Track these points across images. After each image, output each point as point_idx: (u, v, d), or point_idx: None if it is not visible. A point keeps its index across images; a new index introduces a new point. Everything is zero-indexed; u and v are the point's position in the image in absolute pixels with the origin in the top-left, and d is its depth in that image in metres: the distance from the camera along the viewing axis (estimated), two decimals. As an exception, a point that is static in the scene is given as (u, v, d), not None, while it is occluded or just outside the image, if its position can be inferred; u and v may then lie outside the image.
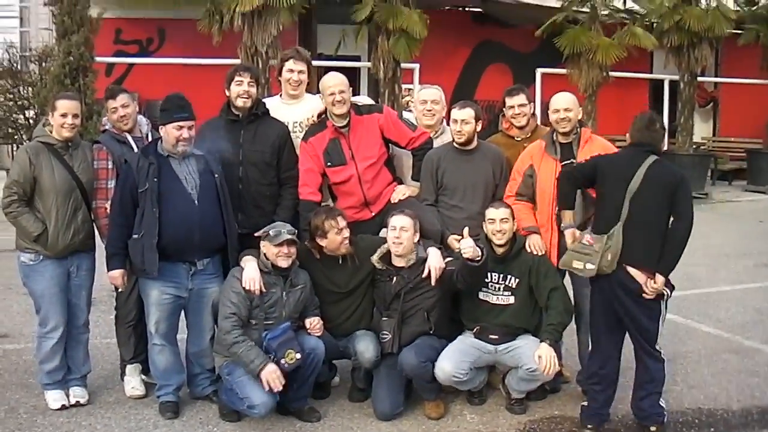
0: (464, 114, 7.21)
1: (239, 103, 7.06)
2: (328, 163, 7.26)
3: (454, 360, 6.69)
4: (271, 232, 6.56)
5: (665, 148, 22.24)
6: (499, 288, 6.89)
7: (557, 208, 6.82)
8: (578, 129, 7.10)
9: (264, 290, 6.47)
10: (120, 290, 6.94)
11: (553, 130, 7.07)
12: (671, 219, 6.24)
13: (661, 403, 6.49)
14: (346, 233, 6.81)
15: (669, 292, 6.29)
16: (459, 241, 6.67)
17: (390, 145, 7.50)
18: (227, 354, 6.49)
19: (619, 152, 6.75)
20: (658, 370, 6.43)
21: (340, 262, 6.93)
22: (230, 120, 7.13)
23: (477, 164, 7.30)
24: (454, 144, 7.34)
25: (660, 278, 6.14)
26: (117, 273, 6.60)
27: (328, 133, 7.27)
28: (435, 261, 6.72)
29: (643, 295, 6.16)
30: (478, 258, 6.48)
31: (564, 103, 7.02)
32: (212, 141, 6.94)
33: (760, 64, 23.24)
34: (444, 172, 7.28)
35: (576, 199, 6.74)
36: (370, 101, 8.26)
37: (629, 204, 6.20)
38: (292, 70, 7.48)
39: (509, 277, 6.87)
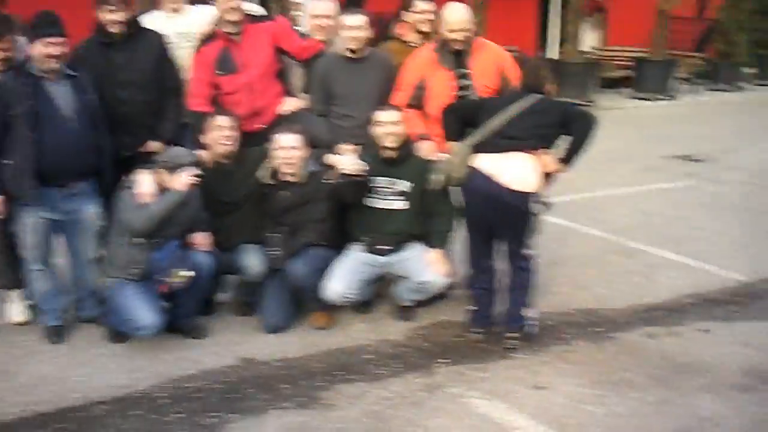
0: (357, 20, 7.05)
1: (112, 29, 6.83)
2: (219, 72, 7.14)
3: (346, 280, 6.68)
4: (167, 160, 6.42)
5: (555, 57, 22.44)
6: (388, 193, 6.83)
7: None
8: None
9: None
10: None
11: (445, 41, 6.96)
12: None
13: (525, 311, 6.60)
14: (228, 132, 6.72)
15: (544, 207, 6.40)
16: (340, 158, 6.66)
17: (282, 57, 7.39)
18: (136, 233, 6.32)
19: (506, 94, 6.73)
20: (523, 278, 6.54)
21: (228, 170, 6.85)
22: (105, 42, 6.91)
23: (368, 72, 7.18)
24: (345, 52, 7.21)
25: (557, 163, 6.33)
26: None
27: (220, 41, 7.15)
28: (346, 163, 6.61)
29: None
30: (363, 172, 6.48)
31: (461, 22, 6.86)
32: (89, 63, 6.72)
33: (645, -28, 23.44)
34: (335, 81, 7.16)
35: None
36: (262, 10, 8.11)
37: (502, 125, 6.29)
38: None
39: (401, 181, 6.81)
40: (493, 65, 6.95)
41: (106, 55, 6.85)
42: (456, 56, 6.92)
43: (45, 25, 6.26)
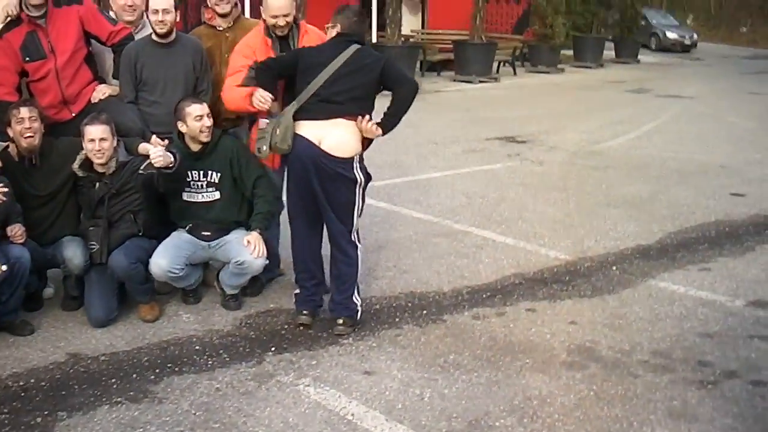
0: (164, 3, 6.93)
1: None
2: (27, 58, 6.90)
3: (170, 255, 6.61)
4: None
5: (375, 41, 22.53)
6: (202, 185, 6.79)
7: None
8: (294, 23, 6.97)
9: None
10: None
11: (271, 27, 6.84)
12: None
13: (354, 298, 6.58)
14: (29, 123, 6.47)
15: (363, 179, 6.40)
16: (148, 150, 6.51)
17: (91, 42, 7.18)
18: None
19: (325, 42, 6.65)
20: (348, 264, 6.53)
21: (35, 162, 6.63)
22: None
23: (177, 57, 7.08)
24: (153, 37, 7.08)
25: (376, 128, 6.34)
26: None
27: (25, 26, 6.89)
28: (155, 153, 6.41)
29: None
30: (171, 164, 6.38)
31: (285, 8, 6.75)
32: None
33: (463, -44, 23.73)
34: (143, 66, 7.04)
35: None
36: None
37: (322, 84, 6.27)
38: None
39: (210, 172, 6.77)
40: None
41: None
42: (281, 41, 6.84)
43: None
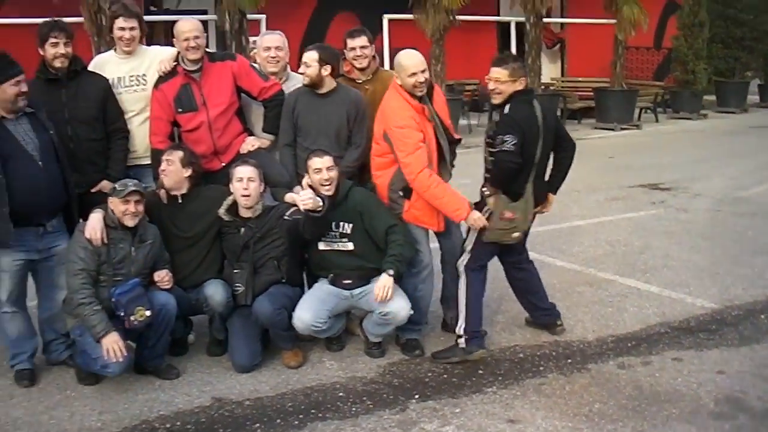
0: (306, 56, 7.13)
1: (57, 64, 6.87)
2: (179, 110, 7.17)
3: (313, 309, 6.68)
4: (117, 186, 6.42)
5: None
6: (336, 236, 6.86)
7: (487, 189, 6.78)
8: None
9: (106, 241, 6.29)
10: None
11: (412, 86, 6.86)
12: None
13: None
14: (178, 165, 6.72)
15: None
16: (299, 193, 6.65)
17: (241, 95, 7.41)
18: (73, 314, 6.31)
19: (516, 107, 6.64)
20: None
21: (180, 201, 6.86)
22: (49, 80, 6.92)
23: (331, 108, 7.21)
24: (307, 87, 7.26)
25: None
26: None
27: (180, 78, 7.18)
28: (302, 196, 6.56)
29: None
30: (319, 208, 6.48)
31: (422, 64, 6.81)
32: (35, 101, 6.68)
33: (603, 3, 23.59)
34: (299, 114, 7.21)
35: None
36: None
37: (538, 158, 6.61)
38: (122, 28, 7.31)
39: (341, 223, 6.83)
40: (443, 107, 7.07)
41: (51, 92, 6.88)
42: (420, 101, 6.89)
43: (8, 65, 6.25)
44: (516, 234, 6.74)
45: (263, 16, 19.18)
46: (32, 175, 6.30)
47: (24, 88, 6.25)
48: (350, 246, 6.85)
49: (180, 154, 6.75)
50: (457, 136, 7.12)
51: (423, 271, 7.08)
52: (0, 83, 6.20)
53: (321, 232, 6.76)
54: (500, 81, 6.64)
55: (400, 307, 6.67)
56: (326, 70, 7.16)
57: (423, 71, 6.77)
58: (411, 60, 6.79)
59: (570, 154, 7.00)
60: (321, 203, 6.49)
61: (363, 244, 6.85)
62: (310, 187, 6.67)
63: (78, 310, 6.19)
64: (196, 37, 7.09)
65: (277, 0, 19.37)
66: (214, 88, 7.22)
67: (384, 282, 6.59)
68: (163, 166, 6.73)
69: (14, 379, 6.62)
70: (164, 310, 6.45)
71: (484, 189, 6.79)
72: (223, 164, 7.23)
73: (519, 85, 6.65)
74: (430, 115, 6.84)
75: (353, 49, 7.45)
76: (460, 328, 6.78)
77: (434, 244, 7.27)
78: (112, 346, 6.07)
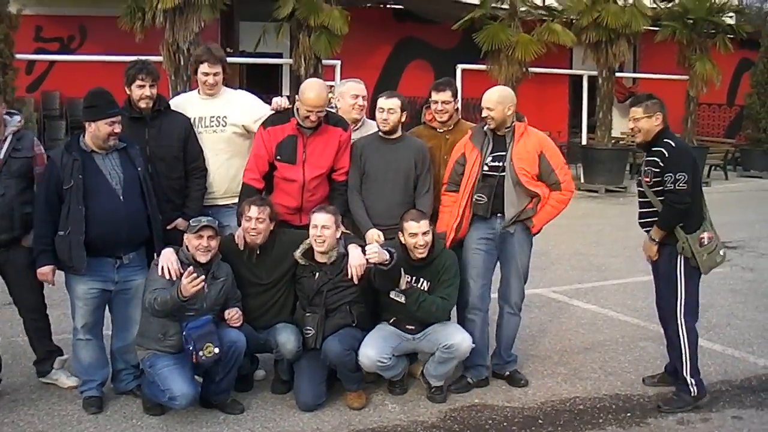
0: (390, 103, 7.29)
1: (142, 105, 7.08)
2: (278, 157, 7.22)
3: (378, 346, 6.79)
4: (191, 222, 6.60)
5: (584, 143, 22.59)
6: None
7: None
8: (512, 123, 7.20)
9: (180, 273, 6.39)
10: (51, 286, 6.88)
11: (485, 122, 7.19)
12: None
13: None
14: (255, 224, 6.79)
15: None
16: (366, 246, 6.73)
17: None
18: (156, 314, 6.43)
19: (676, 141, 7.00)
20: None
21: (259, 253, 6.96)
22: (134, 117, 7.11)
23: (399, 154, 7.34)
24: (379, 133, 7.41)
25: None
26: (47, 269, 6.59)
27: (289, 128, 7.23)
28: (355, 260, 6.75)
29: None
30: (386, 261, 6.58)
31: (488, 101, 7.13)
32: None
33: (676, 59, 23.58)
34: (366, 159, 7.32)
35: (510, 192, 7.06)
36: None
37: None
38: (207, 74, 7.44)
39: (421, 280, 6.95)
40: (533, 150, 7.12)
41: (135, 130, 7.05)
42: (496, 139, 7.15)
43: (107, 105, 6.53)
44: (723, 251, 6.99)
45: (338, 62, 19.39)
46: (112, 208, 6.51)
47: (117, 128, 6.50)
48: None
49: (269, 211, 6.84)
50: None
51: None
52: (96, 120, 6.46)
53: (389, 285, 6.83)
54: (636, 119, 7.00)
55: (463, 339, 6.78)
56: (404, 117, 7.34)
57: (488, 108, 7.11)
58: (485, 96, 7.20)
59: None
60: (387, 257, 6.58)
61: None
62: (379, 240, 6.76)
63: (154, 303, 6.34)
64: (320, 112, 7.11)
65: (353, 47, 19.57)
66: (318, 149, 7.25)
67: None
68: (254, 224, 6.78)
69: (82, 405, 6.77)
70: (233, 348, 6.58)
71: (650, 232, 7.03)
72: (303, 223, 7.20)
73: (656, 121, 6.91)
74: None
75: (436, 102, 7.54)
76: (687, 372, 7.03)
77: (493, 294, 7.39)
78: (188, 279, 6.18)
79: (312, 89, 7.07)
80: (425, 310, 6.83)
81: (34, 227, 6.69)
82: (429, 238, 6.84)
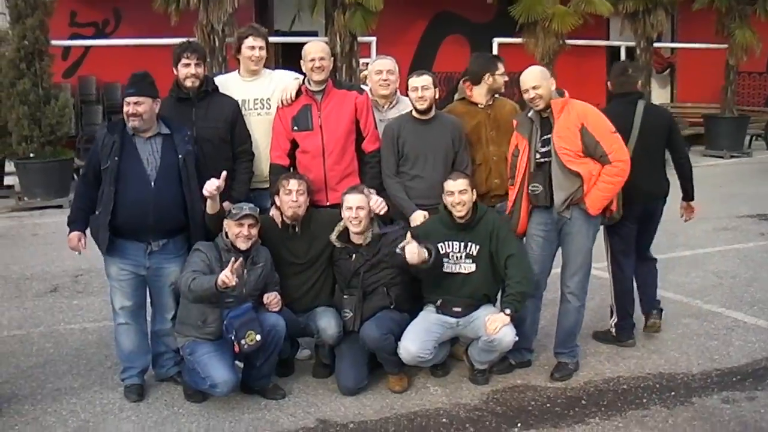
0: (423, 80, 7.21)
1: (188, 83, 7.08)
2: (295, 128, 7.26)
3: (419, 340, 6.72)
4: (233, 209, 6.58)
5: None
6: (460, 257, 6.92)
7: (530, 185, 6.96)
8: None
9: (237, 283, 6.28)
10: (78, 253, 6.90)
11: (529, 107, 7.03)
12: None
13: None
14: (296, 197, 6.80)
15: None
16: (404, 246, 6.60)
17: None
18: (192, 297, 6.40)
19: (610, 106, 7.26)
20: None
21: (296, 230, 6.97)
22: (180, 98, 7.13)
23: (436, 133, 7.28)
24: (413, 113, 7.33)
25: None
26: (73, 235, 6.65)
27: (303, 99, 7.30)
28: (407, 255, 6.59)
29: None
30: (426, 261, 6.55)
31: (531, 81, 6.91)
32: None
33: (714, 28, 23.31)
34: (405, 141, 7.26)
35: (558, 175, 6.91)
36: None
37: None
38: (252, 47, 7.45)
39: (470, 244, 6.89)
40: (573, 124, 6.83)
41: (182, 111, 7.07)
42: (543, 122, 6.97)
43: (128, 86, 6.54)
44: None
45: (374, 39, 19.31)
46: (140, 193, 6.50)
47: (131, 110, 6.46)
48: (472, 268, 6.93)
49: (306, 184, 6.86)
50: None
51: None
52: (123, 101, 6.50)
53: (434, 272, 6.80)
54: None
55: (505, 333, 6.66)
56: (437, 93, 7.29)
57: (534, 87, 6.89)
58: (524, 78, 7.00)
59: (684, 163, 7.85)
60: (426, 257, 6.54)
61: (485, 267, 6.93)
62: (415, 237, 6.65)
63: (191, 286, 6.31)
64: (322, 59, 7.22)
65: (388, 23, 19.49)
66: (333, 112, 7.29)
67: (500, 319, 6.61)
68: (294, 197, 6.80)
69: (123, 393, 6.80)
70: (273, 332, 6.57)
71: None
72: (328, 204, 7.26)
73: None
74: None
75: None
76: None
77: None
78: (227, 275, 6.13)
79: (309, 43, 7.39)
80: (528, 279, 6.91)
81: (73, 200, 6.83)
82: (467, 197, 6.80)
